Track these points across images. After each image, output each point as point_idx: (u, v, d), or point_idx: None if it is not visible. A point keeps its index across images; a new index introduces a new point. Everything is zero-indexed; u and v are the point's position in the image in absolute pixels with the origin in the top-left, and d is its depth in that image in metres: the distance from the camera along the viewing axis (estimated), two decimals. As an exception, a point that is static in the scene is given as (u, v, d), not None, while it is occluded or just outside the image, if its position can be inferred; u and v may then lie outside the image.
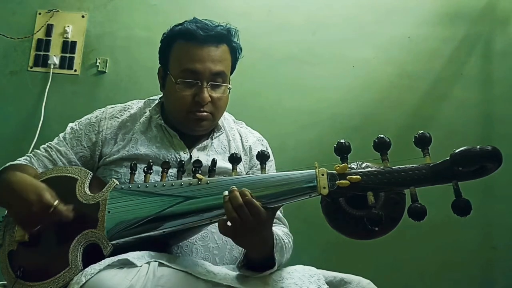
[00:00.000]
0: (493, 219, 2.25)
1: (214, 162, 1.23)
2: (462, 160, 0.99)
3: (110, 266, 1.09)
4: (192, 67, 1.38)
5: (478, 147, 0.98)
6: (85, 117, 1.52)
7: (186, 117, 1.41)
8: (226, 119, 1.57)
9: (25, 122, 2.38)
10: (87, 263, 1.15)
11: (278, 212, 1.44)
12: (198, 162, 1.22)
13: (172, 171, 1.32)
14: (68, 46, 2.45)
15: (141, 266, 1.10)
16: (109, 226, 1.19)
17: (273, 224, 1.30)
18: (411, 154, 1.07)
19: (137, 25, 2.47)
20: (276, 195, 1.10)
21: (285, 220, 1.47)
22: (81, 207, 1.24)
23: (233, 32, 1.46)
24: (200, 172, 1.20)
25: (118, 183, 1.26)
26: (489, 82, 2.37)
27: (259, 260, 1.17)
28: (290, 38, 2.44)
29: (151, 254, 1.16)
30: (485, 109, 2.35)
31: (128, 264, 1.10)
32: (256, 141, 1.58)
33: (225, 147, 1.50)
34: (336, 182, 1.06)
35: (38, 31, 2.45)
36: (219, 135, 1.51)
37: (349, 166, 1.08)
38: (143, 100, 1.55)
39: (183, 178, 1.24)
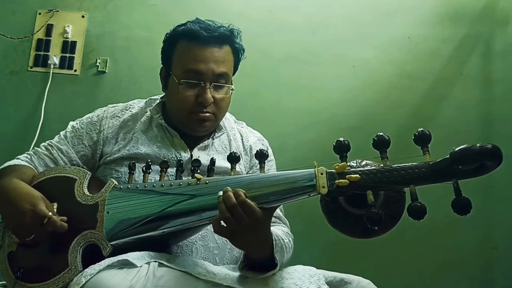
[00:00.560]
0: (493, 219, 2.25)
1: (213, 161, 1.23)
2: (462, 158, 0.98)
3: (110, 267, 1.09)
4: (195, 67, 1.38)
5: (478, 145, 0.97)
6: (87, 116, 1.52)
7: (188, 117, 1.41)
8: (227, 119, 1.57)
9: (25, 122, 2.38)
10: (86, 264, 1.15)
11: (278, 211, 1.44)
12: (197, 161, 1.22)
13: (172, 170, 1.32)
14: (68, 46, 2.45)
15: (141, 266, 1.10)
16: (108, 226, 1.19)
17: (273, 224, 1.30)
18: (411, 154, 1.06)
19: (137, 25, 2.47)
20: (275, 195, 1.09)
21: (286, 220, 1.47)
22: (80, 208, 1.24)
23: (236, 33, 1.46)
24: (199, 171, 1.20)
25: (117, 183, 1.26)
26: (489, 82, 2.37)
27: (259, 260, 1.17)
28: (290, 38, 2.44)
29: (151, 254, 1.16)
30: (485, 109, 2.35)
31: (128, 264, 1.10)
32: (256, 141, 1.58)
33: (226, 147, 1.50)
34: (336, 181, 1.06)
35: (38, 31, 2.45)
36: (220, 135, 1.51)
37: (348, 164, 1.08)
38: (145, 100, 1.55)
39: (182, 178, 1.24)
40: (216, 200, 1.10)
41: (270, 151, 1.56)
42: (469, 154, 0.98)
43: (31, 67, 2.45)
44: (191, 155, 1.42)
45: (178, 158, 1.38)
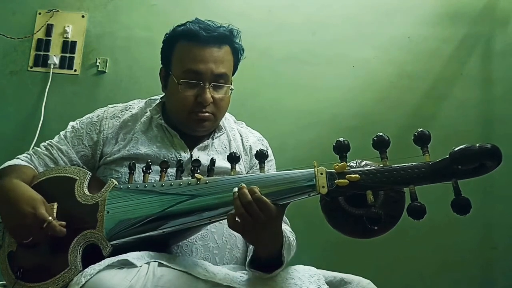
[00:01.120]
0: (493, 219, 2.25)
1: (213, 161, 1.23)
2: (461, 158, 0.98)
3: (109, 267, 1.09)
4: (195, 67, 1.38)
5: (477, 145, 0.97)
6: (87, 116, 1.52)
7: (188, 117, 1.41)
8: (227, 119, 1.57)
9: (25, 122, 2.38)
10: (86, 263, 1.15)
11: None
12: (197, 161, 1.22)
13: (172, 170, 1.32)
14: (68, 46, 2.45)
15: (140, 266, 1.10)
16: (108, 226, 1.19)
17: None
18: (411, 154, 1.06)
19: (137, 25, 2.47)
20: (275, 194, 1.09)
21: (286, 219, 1.47)
22: (80, 208, 1.24)
23: (236, 33, 1.46)
24: (199, 171, 1.20)
25: (117, 183, 1.26)
26: (489, 82, 2.37)
27: (266, 257, 1.17)
28: (290, 38, 2.44)
29: (151, 254, 1.16)
30: (485, 109, 2.35)
31: (128, 264, 1.10)
32: (256, 141, 1.58)
33: (225, 147, 1.50)
34: (335, 181, 1.06)
35: (38, 31, 2.45)
36: (220, 135, 1.51)
37: (348, 164, 1.08)
38: (144, 100, 1.55)
39: (182, 178, 1.24)
40: (217, 200, 1.11)
41: (270, 151, 1.56)
42: (468, 154, 0.98)
43: (31, 67, 2.45)
44: (191, 155, 1.43)
45: (178, 158, 1.37)
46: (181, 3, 2.46)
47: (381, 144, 1.06)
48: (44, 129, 2.32)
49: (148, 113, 1.49)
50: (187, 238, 1.31)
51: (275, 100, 2.39)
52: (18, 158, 1.44)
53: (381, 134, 1.07)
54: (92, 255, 1.17)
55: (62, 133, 1.49)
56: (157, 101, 1.52)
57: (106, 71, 2.43)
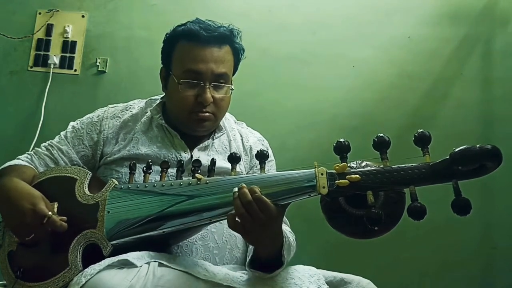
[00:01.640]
0: (493, 219, 2.25)
1: (213, 161, 1.23)
2: (461, 159, 0.99)
3: (110, 267, 1.09)
4: (195, 67, 1.38)
5: (477, 146, 0.98)
6: (87, 116, 1.52)
7: (188, 117, 1.41)
8: (228, 120, 1.57)
9: (25, 122, 2.38)
10: (87, 263, 1.15)
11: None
12: (197, 161, 1.22)
13: (172, 171, 1.32)
14: (68, 46, 2.45)
15: (141, 266, 1.10)
16: (109, 226, 1.19)
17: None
18: (411, 154, 1.06)
19: (137, 25, 2.47)
20: (275, 195, 1.09)
21: (286, 219, 1.47)
22: (81, 207, 1.24)
23: (236, 33, 1.46)
24: (199, 171, 1.20)
25: (117, 183, 1.26)
26: (489, 82, 2.37)
27: (266, 257, 1.17)
28: (290, 38, 2.44)
29: (151, 254, 1.16)
30: (485, 109, 2.35)
31: (128, 264, 1.10)
32: (256, 141, 1.58)
33: (226, 147, 1.50)
34: (336, 181, 1.06)
35: (38, 31, 2.45)
36: (220, 135, 1.51)
37: (348, 165, 1.08)
38: (145, 100, 1.56)
39: (183, 178, 1.24)
40: (217, 200, 1.11)
41: (270, 152, 1.56)
42: (469, 154, 0.98)
43: (31, 67, 2.45)
44: (191, 156, 1.43)
45: (179, 159, 1.38)
46: (181, 3, 2.46)
47: (381, 145, 1.06)
48: (44, 129, 2.32)
49: (149, 113, 1.49)
50: (187, 238, 1.31)
51: (275, 100, 2.39)
52: (18, 159, 1.44)
53: (381, 135, 1.07)
54: (92, 255, 1.17)
55: (62, 133, 1.49)
56: (158, 101, 1.52)
57: (106, 71, 2.43)
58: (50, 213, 1.19)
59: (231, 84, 1.45)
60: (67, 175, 1.32)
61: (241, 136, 1.56)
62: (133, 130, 1.46)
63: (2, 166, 1.41)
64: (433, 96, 2.38)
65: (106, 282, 1.05)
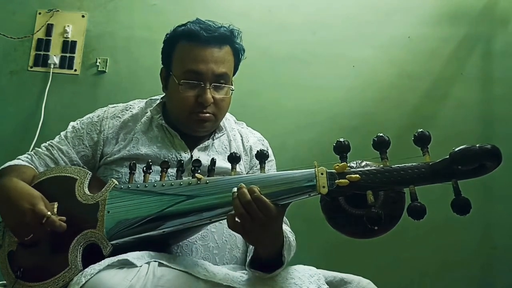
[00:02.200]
0: (493, 219, 2.25)
1: (213, 161, 1.23)
2: (461, 159, 0.99)
3: (110, 266, 1.09)
4: (195, 68, 1.38)
5: (477, 145, 0.98)
6: (87, 116, 1.52)
7: (188, 117, 1.41)
8: (228, 120, 1.57)
9: (25, 122, 2.38)
10: (87, 263, 1.15)
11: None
12: (197, 161, 1.22)
13: (172, 171, 1.32)
14: (68, 46, 2.45)
15: (141, 266, 1.10)
16: (109, 226, 1.19)
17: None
18: (411, 154, 1.06)
19: (137, 25, 2.47)
20: (275, 194, 1.09)
21: (286, 219, 1.47)
22: (81, 207, 1.24)
23: (236, 33, 1.46)
24: (199, 171, 1.20)
25: (117, 183, 1.26)
26: (489, 82, 2.37)
27: (266, 257, 1.17)
28: (290, 38, 2.44)
29: (151, 254, 1.16)
30: (485, 109, 2.35)
31: (128, 264, 1.10)
32: (256, 141, 1.58)
33: (226, 147, 1.50)
34: (336, 181, 1.06)
35: (38, 31, 2.45)
36: (221, 135, 1.51)
37: (348, 165, 1.08)
38: (145, 100, 1.56)
39: (183, 178, 1.24)
40: (217, 200, 1.11)
41: (270, 152, 1.56)
42: (468, 154, 0.98)
43: (31, 67, 2.45)
44: (191, 156, 1.43)
45: (179, 159, 1.37)
46: (181, 3, 2.46)
47: (381, 145, 1.06)
48: (44, 129, 2.32)
49: (149, 113, 1.49)
50: (187, 238, 1.31)
51: (275, 100, 2.39)
52: (18, 159, 1.44)
53: (381, 134, 1.07)
54: (92, 255, 1.17)
55: (62, 133, 1.50)
56: (158, 101, 1.52)
57: (106, 71, 2.43)
58: (49, 213, 1.19)
59: (232, 85, 1.45)
60: (67, 175, 1.32)
61: (241, 136, 1.56)
62: (133, 130, 1.46)
63: (2, 166, 1.41)
64: (433, 96, 2.38)
65: (106, 282, 1.05)
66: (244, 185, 1.09)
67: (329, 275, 1.23)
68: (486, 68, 2.38)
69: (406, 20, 2.43)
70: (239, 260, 1.39)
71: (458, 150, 0.99)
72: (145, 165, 1.27)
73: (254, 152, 1.46)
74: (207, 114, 1.41)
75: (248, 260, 1.21)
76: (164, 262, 1.13)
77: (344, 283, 1.22)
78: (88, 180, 1.30)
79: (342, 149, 1.09)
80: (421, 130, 1.04)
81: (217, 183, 1.16)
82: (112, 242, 1.18)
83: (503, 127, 2.31)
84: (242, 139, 1.56)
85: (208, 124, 1.43)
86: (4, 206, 1.26)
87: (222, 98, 1.42)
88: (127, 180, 1.28)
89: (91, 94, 2.41)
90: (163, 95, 1.53)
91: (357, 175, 1.05)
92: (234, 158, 1.21)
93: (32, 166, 1.41)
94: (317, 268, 1.24)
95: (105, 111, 1.52)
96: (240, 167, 1.47)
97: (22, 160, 1.43)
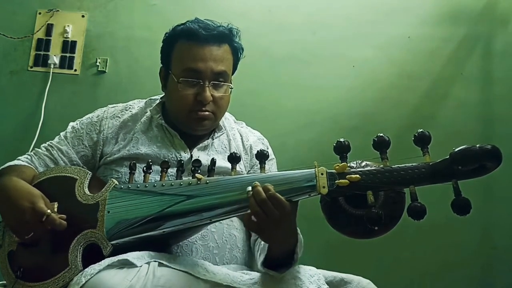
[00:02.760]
0: (493, 219, 2.25)
1: (213, 161, 1.23)
2: (461, 159, 0.99)
3: (110, 266, 1.08)
4: (194, 66, 1.38)
5: (477, 145, 0.98)
6: (87, 116, 1.52)
7: (188, 116, 1.41)
8: (227, 119, 1.57)
9: (25, 122, 2.38)
10: (87, 263, 1.14)
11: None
12: (197, 161, 1.22)
13: (172, 170, 1.32)
14: (68, 46, 2.45)
15: (141, 266, 1.10)
16: (109, 226, 1.19)
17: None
18: (411, 154, 1.06)
19: (137, 25, 2.47)
20: (275, 194, 1.09)
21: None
22: (81, 207, 1.24)
23: (235, 32, 1.46)
24: (199, 171, 1.20)
25: (117, 183, 1.26)
26: (489, 82, 2.37)
27: (280, 256, 1.16)
28: (290, 38, 2.44)
29: (151, 254, 1.16)
30: (485, 109, 2.35)
31: (128, 264, 1.10)
32: (256, 140, 1.58)
33: (225, 147, 1.50)
34: (336, 181, 1.06)
35: (38, 31, 2.45)
36: (220, 135, 1.51)
37: (348, 165, 1.08)
38: (144, 100, 1.56)
39: (183, 178, 1.24)
40: (217, 200, 1.11)
41: (270, 151, 1.56)
42: (469, 154, 0.98)
43: (31, 67, 2.45)
44: (191, 155, 1.43)
45: (178, 158, 1.38)
46: (181, 3, 2.46)
47: (381, 145, 1.07)
48: (44, 129, 2.32)
49: (148, 113, 1.49)
50: (187, 238, 1.31)
51: (275, 100, 2.39)
52: (18, 159, 1.44)
53: (381, 134, 1.07)
54: (92, 255, 1.16)
55: (62, 133, 1.50)
56: (157, 101, 1.52)
57: (106, 71, 2.43)
58: (49, 211, 1.19)
59: (231, 83, 1.45)
60: (67, 175, 1.32)
61: (240, 135, 1.56)
62: (132, 130, 1.46)
63: (2, 167, 1.41)
64: (433, 96, 2.39)
65: (106, 282, 1.04)
66: (258, 184, 1.08)
67: (329, 275, 1.22)
68: (486, 68, 2.38)
69: (406, 20, 2.44)
70: (239, 260, 1.39)
71: (458, 150, 0.99)
72: (145, 165, 1.27)
73: (254, 151, 1.47)
74: (206, 112, 1.41)
75: (261, 260, 1.21)
76: (164, 262, 1.12)
77: (344, 283, 1.21)
78: (88, 180, 1.30)
79: (342, 149, 1.09)
80: (421, 130, 1.04)
81: (217, 183, 1.16)
82: (112, 242, 1.17)
83: (503, 127, 2.31)
84: (242, 138, 1.56)
85: (207, 123, 1.43)
86: (4, 205, 1.26)
87: (221, 96, 1.42)
88: (127, 180, 1.28)
89: (91, 94, 2.41)
90: (162, 95, 1.53)
91: (357, 175, 1.05)
92: (234, 158, 1.21)
93: (32, 166, 1.41)
94: (317, 268, 1.23)
95: (104, 111, 1.52)
96: (240, 166, 1.46)
97: (22, 161, 1.43)
